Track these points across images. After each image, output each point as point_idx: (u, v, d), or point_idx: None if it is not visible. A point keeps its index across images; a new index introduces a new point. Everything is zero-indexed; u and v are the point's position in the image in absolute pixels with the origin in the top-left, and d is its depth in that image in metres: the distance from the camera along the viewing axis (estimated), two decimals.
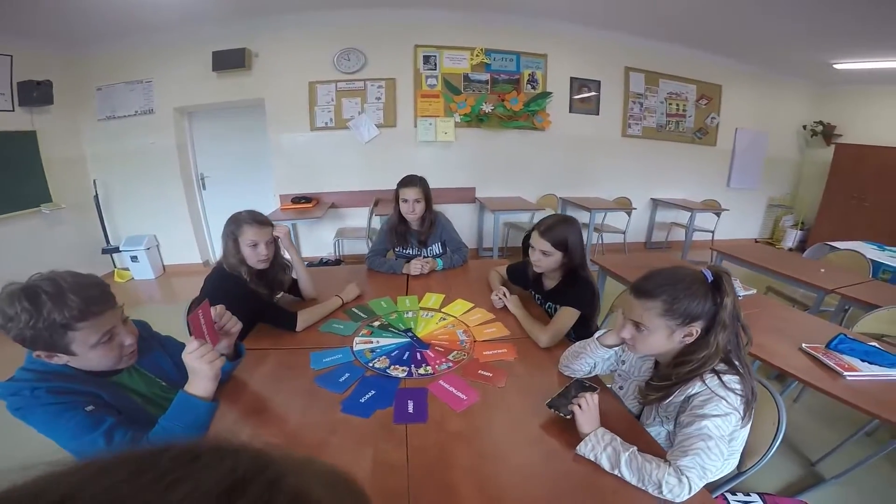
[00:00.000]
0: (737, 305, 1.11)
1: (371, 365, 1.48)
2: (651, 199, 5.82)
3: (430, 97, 4.70)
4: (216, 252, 5.20)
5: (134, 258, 4.67)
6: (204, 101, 4.50)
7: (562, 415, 1.16)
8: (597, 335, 1.38)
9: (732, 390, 1.06)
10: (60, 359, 1.03)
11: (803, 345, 1.80)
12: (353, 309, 1.92)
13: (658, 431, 1.22)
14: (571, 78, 5.02)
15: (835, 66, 5.09)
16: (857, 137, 5.70)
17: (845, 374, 1.60)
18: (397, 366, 1.48)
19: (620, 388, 1.39)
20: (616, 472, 1.02)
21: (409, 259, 2.40)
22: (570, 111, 5.12)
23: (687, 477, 0.96)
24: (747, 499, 1.36)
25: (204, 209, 5.10)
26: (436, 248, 2.52)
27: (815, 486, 1.93)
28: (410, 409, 1.25)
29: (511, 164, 5.14)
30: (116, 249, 4.67)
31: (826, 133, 6.06)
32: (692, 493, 0.96)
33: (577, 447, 1.08)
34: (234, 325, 1.25)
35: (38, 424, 1.01)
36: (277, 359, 1.53)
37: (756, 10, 3.75)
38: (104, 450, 0.97)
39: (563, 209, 5.24)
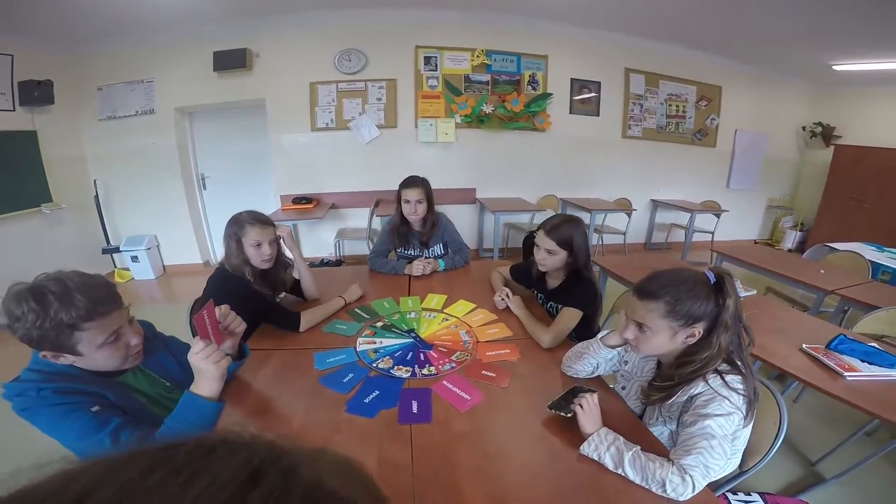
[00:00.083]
0: (739, 307, 1.12)
1: (375, 365, 1.49)
2: (651, 200, 5.83)
3: (430, 98, 4.71)
4: (216, 252, 5.20)
5: (134, 258, 4.67)
6: (205, 101, 4.51)
7: (563, 414, 1.17)
8: (600, 336, 1.39)
9: (735, 390, 1.07)
10: (66, 359, 1.03)
11: (803, 345, 1.81)
12: (356, 309, 1.92)
13: (661, 431, 1.23)
14: (572, 79, 5.04)
15: (834, 67, 5.11)
16: (856, 139, 5.72)
17: (845, 374, 1.61)
18: (401, 366, 1.48)
19: (623, 388, 1.40)
20: (619, 472, 1.03)
21: (410, 260, 2.41)
22: (571, 112, 5.13)
23: (690, 476, 0.96)
24: (748, 498, 1.36)
25: (204, 209, 5.10)
26: (437, 249, 2.52)
27: (816, 486, 1.94)
28: (415, 409, 1.26)
29: (511, 165, 5.15)
30: (117, 249, 4.67)
31: (825, 134, 6.08)
32: (695, 492, 0.96)
33: (581, 447, 1.09)
34: (239, 326, 1.25)
35: (43, 425, 1.01)
36: (281, 359, 1.53)
37: (756, 10, 3.76)
38: (110, 450, 0.98)
39: (563, 210, 5.24)
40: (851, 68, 5.06)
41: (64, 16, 3.52)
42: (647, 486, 0.99)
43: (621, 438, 1.08)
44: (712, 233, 5.41)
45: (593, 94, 5.19)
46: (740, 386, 1.08)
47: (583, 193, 5.43)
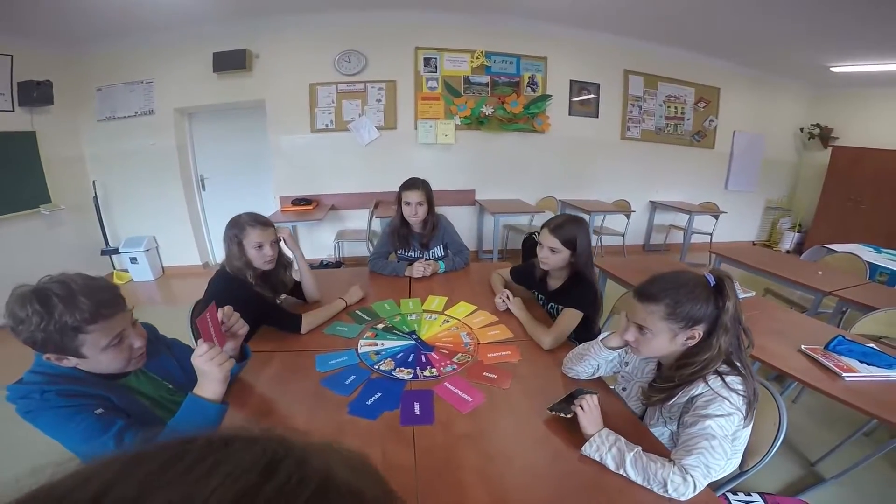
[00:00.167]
0: (738, 309, 1.13)
1: (376, 367, 1.49)
2: (650, 201, 5.85)
3: (430, 99, 4.72)
4: (216, 254, 5.20)
5: (133, 260, 4.66)
6: (204, 102, 4.51)
7: (563, 415, 1.18)
8: (600, 338, 1.40)
9: (735, 391, 1.08)
10: (70, 361, 1.03)
11: (802, 346, 1.82)
12: (357, 311, 1.93)
13: (661, 432, 1.23)
14: (571, 81, 5.06)
15: (831, 69, 5.14)
16: (854, 140, 5.75)
17: (844, 375, 1.62)
18: (402, 368, 1.49)
19: (624, 389, 1.41)
20: (621, 472, 1.03)
21: (411, 262, 2.42)
22: (570, 114, 5.15)
23: (691, 476, 0.97)
24: (748, 498, 1.37)
25: (204, 211, 5.10)
26: (438, 251, 2.53)
27: (815, 486, 1.95)
28: (417, 410, 1.27)
29: (511, 167, 5.16)
30: (116, 251, 4.67)
31: (823, 136, 6.11)
32: (697, 492, 0.97)
33: (583, 448, 1.10)
34: (242, 328, 1.26)
35: (47, 427, 1.01)
36: (283, 361, 1.53)
37: (756, 11, 3.77)
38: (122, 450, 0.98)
39: (562, 212, 5.25)
40: (849, 70, 5.09)
41: (63, 16, 3.52)
42: (648, 487, 1.00)
43: (622, 439, 1.08)
44: (711, 234, 5.44)
45: (592, 96, 5.20)
46: (740, 387, 1.09)
47: (582, 195, 5.44)
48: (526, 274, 2.11)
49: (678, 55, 5.30)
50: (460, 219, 4.97)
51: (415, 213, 2.36)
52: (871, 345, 1.81)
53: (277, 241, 1.84)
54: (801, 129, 6.28)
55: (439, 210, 2.55)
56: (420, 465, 1.06)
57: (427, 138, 4.81)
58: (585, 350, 1.42)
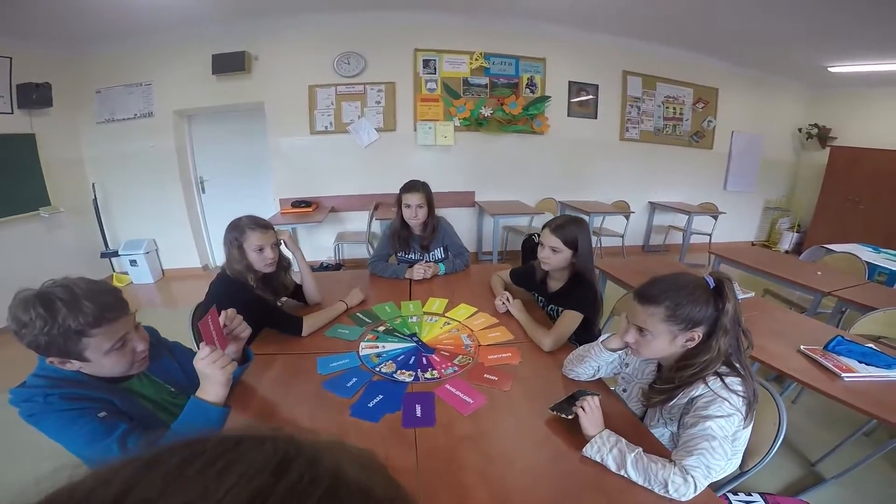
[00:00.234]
0: (738, 311, 1.14)
1: (378, 370, 1.50)
2: (649, 202, 5.86)
3: (429, 101, 4.73)
4: (215, 256, 5.20)
5: (133, 262, 4.66)
6: (203, 104, 4.51)
7: (564, 415, 1.18)
8: (600, 339, 1.40)
9: (735, 392, 1.09)
10: (73, 365, 1.04)
11: (801, 347, 1.82)
12: (358, 314, 1.93)
13: (662, 433, 1.24)
14: (570, 82, 5.07)
15: (829, 69, 5.15)
16: (852, 140, 5.77)
17: (843, 375, 1.63)
18: (404, 370, 1.49)
19: (624, 390, 1.42)
20: (622, 473, 1.04)
21: (411, 264, 2.42)
22: (569, 115, 5.16)
23: (692, 476, 0.98)
24: (749, 499, 1.38)
25: (203, 213, 5.10)
26: (438, 253, 2.53)
27: (816, 486, 1.96)
28: (418, 413, 1.27)
29: (510, 168, 5.17)
30: (115, 253, 4.66)
31: (821, 136, 6.12)
32: (697, 493, 0.98)
33: (584, 449, 1.10)
34: (245, 330, 1.26)
35: (50, 431, 1.01)
36: (284, 364, 1.54)
37: (755, 11, 3.78)
38: (118, 456, 0.98)
39: (561, 213, 5.25)
40: (847, 70, 5.11)
41: (63, 18, 3.52)
42: (649, 487, 1.00)
43: (623, 440, 1.09)
44: (710, 235, 5.45)
45: (591, 97, 5.22)
46: (740, 388, 1.10)
47: (581, 196, 5.45)
48: (526, 276, 2.12)
49: (676, 56, 5.32)
50: (460, 220, 4.98)
51: (415, 215, 2.36)
52: (870, 345, 1.82)
53: (278, 243, 1.85)
54: (800, 130, 6.29)
55: (439, 212, 2.56)
56: (422, 467, 1.07)
57: (426, 140, 4.81)
58: (586, 352, 1.42)
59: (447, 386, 1.40)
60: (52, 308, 0.96)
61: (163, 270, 4.95)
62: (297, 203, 4.63)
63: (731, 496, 1.35)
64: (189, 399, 1.10)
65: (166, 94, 4.41)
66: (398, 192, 2.41)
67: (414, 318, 1.90)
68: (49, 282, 1.02)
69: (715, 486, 1.27)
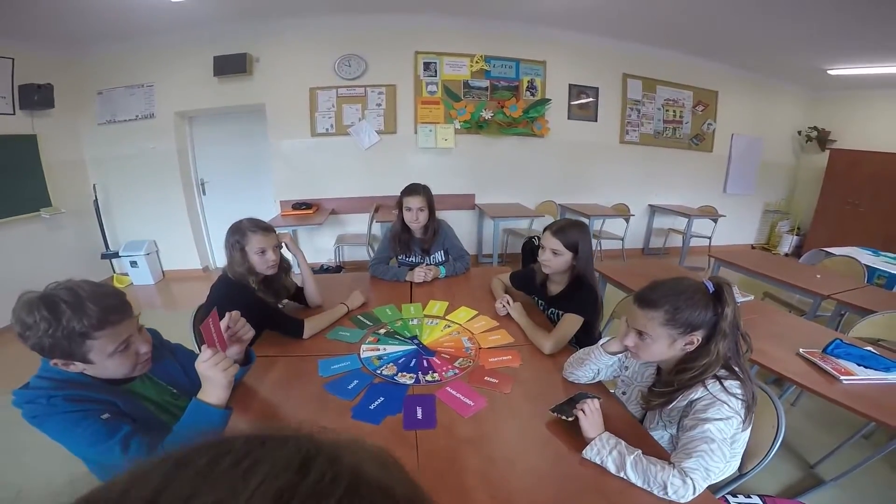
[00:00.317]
0: (737, 315, 1.15)
1: (379, 372, 1.50)
2: (649, 205, 5.87)
3: (430, 104, 4.74)
4: (216, 258, 5.21)
5: (133, 263, 4.67)
6: (205, 105, 4.53)
7: (564, 417, 1.19)
8: (600, 342, 1.41)
9: (734, 395, 1.10)
10: (77, 367, 1.04)
11: (800, 350, 1.83)
12: (359, 316, 1.94)
13: (661, 435, 1.25)
14: (570, 85, 5.08)
15: (829, 71, 5.17)
16: (852, 143, 5.78)
17: (842, 378, 1.63)
18: (405, 373, 1.50)
19: (624, 393, 1.43)
20: (622, 475, 1.05)
21: (412, 267, 2.43)
22: (569, 118, 5.17)
23: (691, 478, 0.99)
24: (748, 500, 1.39)
25: (204, 214, 5.11)
26: (438, 256, 2.54)
27: (815, 489, 1.97)
28: (419, 415, 1.28)
29: (510, 171, 5.18)
30: (116, 254, 4.67)
31: (821, 138, 6.14)
32: (696, 494, 0.99)
33: (584, 451, 1.11)
34: (248, 333, 1.27)
35: (54, 432, 1.02)
36: (286, 366, 1.54)
37: (754, 14, 3.78)
38: (120, 457, 0.99)
39: (562, 216, 5.26)
40: (846, 72, 5.13)
41: (64, 19, 3.53)
42: (648, 489, 1.01)
43: (623, 442, 1.10)
44: (710, 237, 5.45)
45: (591, 100, 5.23)
46: (739, 391, 1.11)
47: (581, 199, 5.46)
48: (526, 279, 2.12)
49: (676, 59, 5.33)
50: (460, 223, 4.99)
51: (416, 218, 2.37)
52: (869, 348, 1.82)
53: (279, 245, 1.86)
54: (799, 132, 6.31)
55: (439, 214, 2.56)
56: (423, 469, 1.07)
57: (427, 142, 4.83)
58: (586, 355, 1.43)
59: (448, 388, 1.41)
60: (56, 310, 0.97)
61: (163, 272, 4.96)
62: (298, 205, 4.64)
63: (730, 498, 1.36)
64: (191, 401, 1.11)
65: (167, 96, 4.43)
66: (399, 195, 2.42)
67: (415, 321, 1.91)
68: (53, 284, 1.03)
69: (714, 488, 1.27)
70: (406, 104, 4.73)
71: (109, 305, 1.02)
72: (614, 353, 1.38)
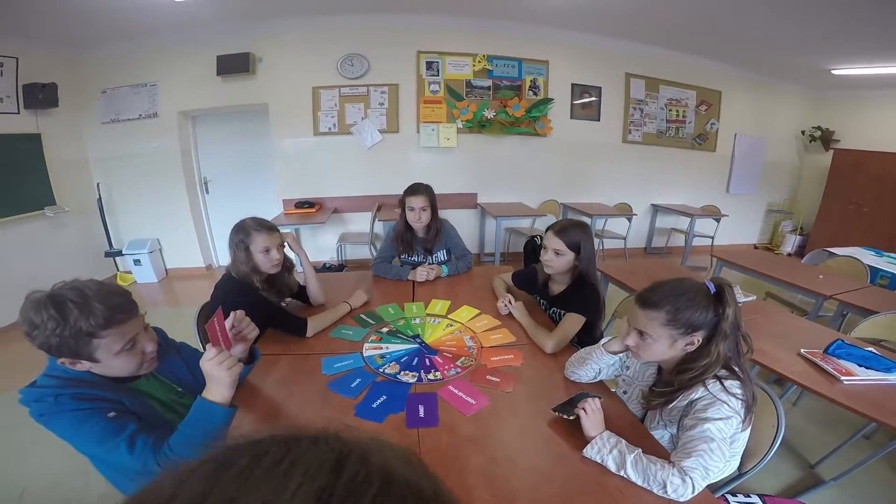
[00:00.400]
0: (738, 316, 1.16)
1: (381, 370, 1.51)
2: (651, 204, 5.87)
3: (432, 103, 4.75)
4: (219, 256, 5.23)
5: (137, 261, 4.69)
6: (208, 104, 4.54)
7: (566, 416, 1.20)
8: (602, 342, 1.42)
9: (734, 395, 1.11)
10: (83, 365, 1.05)
11: (802, 350, 1.83)
12: (362, 315, 1.95)
13: (661, 434, 1.26)
14: (573, 84, 5.08)
15: (833, 71, 5.15)
16: (856, 143, 5.76)
17: (843, 378, 1.64)
18: (407, 371, 1.51)
19: (625, 392, 1.43)
20: (622, 473, 1.05)
21: (414, 266, 2.44)
22: (572, 117, 5.17)
23: (690, 477, 0.99)
24: (748, 500, 1.39)
25: (207, 213, 5.13)
26: (441, 255, 2.55)
27: (815, 488, 1.97)
28: (421, 413, 1.29)
29: (512, 170, 5.18)
30: (119, 253, 4.69)
31: (824, 138, 6.12)
32: (695, 493, 0.99)
33: (584, 450, 1.12)
34: (252, 332, 1.28)
35: (61, 430, 1.03)
36: (289, 364, 1.56)
37: (759, 15, 3.76)
38: (127, 455, 1.00)
39: (564, 215, 5.27)
40: (851, 73, 5.11)
41: (68, 19, 3.55)
42: (648, 488, 1.02)
43: (623, 441, 1.11)
44: (712, 237, 5.45)
45: (594, 99, 5.23)
46: (739, 391, 1.12)
47: (584, 198, 5.47)
48: (528, 279, 2.13)
49: (679, 59, 5.32)
50: (462, 222, 5.00)
51: (418, 218, 2.38)
52: (870, 348, 1.82)
53: (283, 244, 1.87)
54: (803, 132, 6.29)
55: (441, 213, 2.57)
56: None
57: (429, 142, 4.83)
58: (587, 354, 1.44)
59: (450, 387, 1.42)
60: (63, 310, 0.98)
61: (166, 270, 4.98)
62: (301, 204, 4.66)
63: (729, 497, 1.37)
64: (195, 399, 1.12)
65: (171, 95, 4.45)
66: (402, 194, 2.43)
67: (417, 320, 1.92)
68: (60, 283, 1.04)
69: (714, 487, 1.28)
70: (408, 103, 4.73)
71: (116, 305, 1.04)
72: (615, 353, 1.39)
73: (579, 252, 1.80)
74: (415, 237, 2.50)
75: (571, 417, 1.19)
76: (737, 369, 1.16)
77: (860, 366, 1.71)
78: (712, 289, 1.17)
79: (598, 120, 5.30)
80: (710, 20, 4.10)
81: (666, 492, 0.99)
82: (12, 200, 3.75)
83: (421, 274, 2.36)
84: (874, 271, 3.23)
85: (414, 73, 4.67)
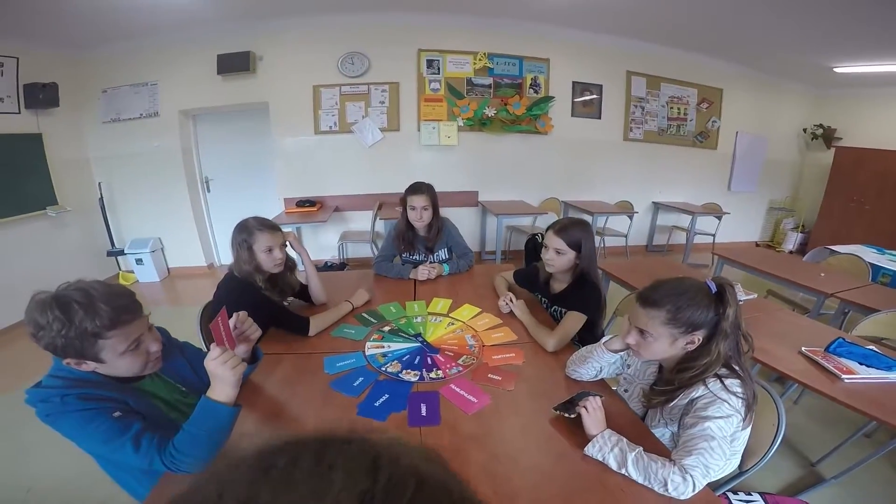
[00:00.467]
0: (738, 315, 1.16)
1: (384, 369, 1.52)
2: (652, 202, 5.86)
3: (433, 101, 4.75)
4: (220, 255, 5.24)
5: (138, 261, 4.70)
6: (209, 103, 4.55)
7: (567, 415, 1.21)
8: (603, 340, 1.43)
9: (734, 393, 1.11)
10: (89, 366, 1.06)
11: (803, 348, 1.84)
12: (364, 314, 1.96)
13: (662, 433, 1.26)
14: (573, 82, 5.08)
15: (835, 69, 5.14)
16: (857, 141, 5.75)
17: (843, 377, 1.64)
18: (409, 370, 1.52)
19: (626, 391, 1.44)
20: (623, 472, 1.06)
21: (416, 265, 2.44)
22: (573, 115, 5.17)
23: (691, 475, 1.00)
24: (749, 498, 1.40)
25: (208, 212, 5.14)
26: (442, 254, 2.55)
27: (816, 486, 1.97)
28: (423, 412, 1.29)
29: (513, 168, 5.18)
30: (121, 252, 4.70)
31: (826, 136, 6.10)
32: (696, 491, 1.00)
33: (586, 448, 1.12)
34: (255, 332, 1.29)
35: (67, 430, 1.03)
36: (292, 363, 1.56)
37: (760, 13, 3.75)
38: (132, 454, 1.01)
39: (565, 213, 5.26)
40: (853, 70, 5.09)
41: (69, 19, 3.55)
42: (649, 486, 1.03)
43: (624, 440, 1.11)
44: (713, 235, 5.45)
45: (595, 97, 5.22)
46: (739, 389, 1.12)
47: (585, 196, 5.46)
48: (529, 277, 2.13)
49: (681, 56, 5.31)
50: (463, 220, 5.00)
51: (420, 217, 2.38)
52: (872, 347, 1.83)
53: (285, 244, 1.87)
54: (805, 130, 6.28)
55: (442, 212, 2.57)
56: None
57: (430, 140, 4.83)
58: (589, 352, 1.44)
59: (452, 385, 1.43)
60: (68, 311, 0.98)
61: (168, 269, 4.99)
62: (302, 202, 4.67)
63: (730, 495, 1.37)
64: (200, 399, 1.12)
65: (172, 94, 4.45)
66: (403, 193, 2.43)
67: (419, 319, 1.93)
68: (65, 284, 1.04)
69: (714, 486, 1.29)
70: (409, 102, 4.73)
71: (121, 305, 1.04)
72: (616, 351, 1.40)
73: (580, 251, 1.80)
74: (416, 236, 2.51)
75: (573, 416, 1.19)
76: (737, 368, 1.16)
77: (861, 364, 1.71)
78: (713, 288, 1.17)
79: (599, 118, 5.29)
80: (710, 19, 4.09)
81: (667, 490, 1.00)
82: (14, 200, 3.76)
83: (422, 272, 2.36)
84: (876, 269, 3.22)
85: (414, 72, 4.67)
